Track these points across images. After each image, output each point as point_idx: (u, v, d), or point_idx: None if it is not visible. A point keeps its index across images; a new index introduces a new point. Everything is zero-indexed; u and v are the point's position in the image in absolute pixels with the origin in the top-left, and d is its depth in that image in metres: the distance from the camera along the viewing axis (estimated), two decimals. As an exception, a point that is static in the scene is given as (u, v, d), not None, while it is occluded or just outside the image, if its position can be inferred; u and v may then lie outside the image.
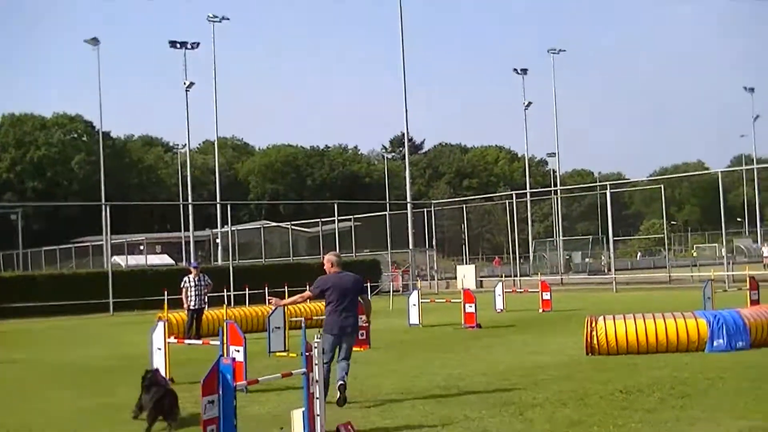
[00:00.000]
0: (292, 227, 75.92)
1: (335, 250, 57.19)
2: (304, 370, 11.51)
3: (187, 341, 20.32)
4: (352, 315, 14.66)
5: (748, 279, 30.01)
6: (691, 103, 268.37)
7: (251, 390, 14.94)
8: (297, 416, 11.59)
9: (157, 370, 14.79)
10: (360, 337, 22.64)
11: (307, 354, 11.56)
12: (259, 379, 12.33)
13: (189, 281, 27.05)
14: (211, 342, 17.96)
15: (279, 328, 22.45)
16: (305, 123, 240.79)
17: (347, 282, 14.75)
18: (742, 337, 19.30)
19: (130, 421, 13.46)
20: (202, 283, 27.25)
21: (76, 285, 47.93)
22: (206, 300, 27.73)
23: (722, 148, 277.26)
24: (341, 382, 14.03)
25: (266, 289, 36.36)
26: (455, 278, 62.95)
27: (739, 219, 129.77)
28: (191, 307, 26.99)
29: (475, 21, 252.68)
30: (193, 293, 26.95)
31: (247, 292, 39.30)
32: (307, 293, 15.05)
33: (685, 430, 11.25)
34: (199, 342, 19.83)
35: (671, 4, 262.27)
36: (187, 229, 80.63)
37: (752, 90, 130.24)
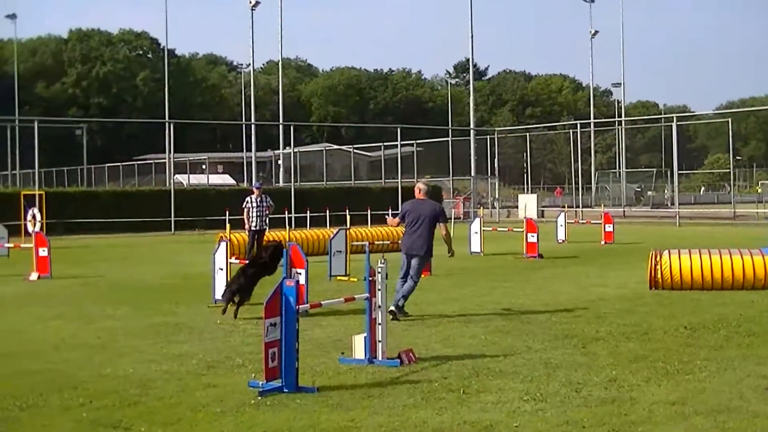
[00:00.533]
0: (354, 151, 75.87)
1: (396, 175, 57.33)
2: (366, 295, 11.46)
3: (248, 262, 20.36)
4: (422, 237, 15.83)
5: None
6: (760, 36, 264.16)
7: (312, 313, 14.93)
8: (358, 341, 11.57)
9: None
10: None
11: (370, 279, 11.50)
12: (322, 302, 12.32)
13: (251, 202, 27.03)
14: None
15: (340, 252, 22.44)
16: (369, 46, 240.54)
17: (423, 208, 16.10)
18: (810, 275, 19.04)
19: (187, 341, 13.52)
20: (264, 204, 27.22)
21: (138, 202, 48.38)
22: (267, 221, 27.75)
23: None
24: (393, 306, 15.17)
25: (327, 212, 36.36)
26: (516, 207, 62.68)
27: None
28: (252, 228, 27.00)
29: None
30: (254, 214, 26.94)
31: (308, 214, 39.25)
32: (397, 219, 16.69)
33: (752, 369, 11.05)
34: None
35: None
36: (249, 149, 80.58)
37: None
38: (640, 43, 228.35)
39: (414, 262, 15.82)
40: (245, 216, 27.03)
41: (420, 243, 15.78)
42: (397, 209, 30.16)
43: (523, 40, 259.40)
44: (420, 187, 16.62)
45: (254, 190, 27.78)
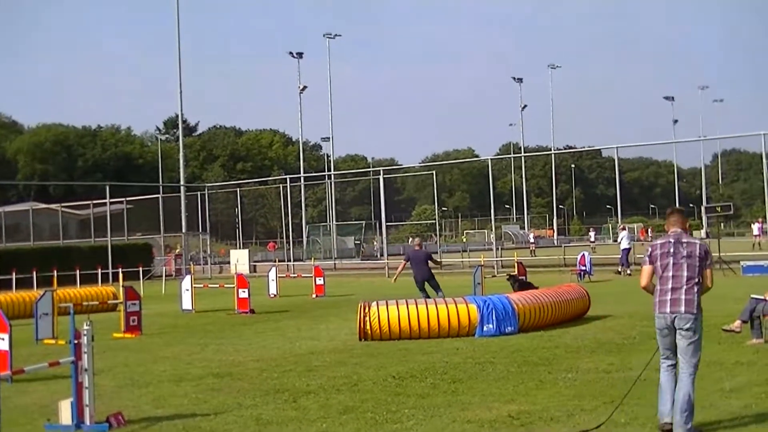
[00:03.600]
0: (63, 209, 74.18)
1: (107, 232, 56.26)
2: (72, 358, 11.20)
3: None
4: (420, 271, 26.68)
5: (516, 264, 30.88)
6: (461, 92, 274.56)
7: (17, 380, 14.47)
8: (65, 406, 11.31)
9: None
10: (131, 323, 22.42)
11: (75, 342, 11.25)
12: (25, 368, 11.97)
13: None
14: (-25, 329, 17.31)
15: (47, 314, 21.83)
16: (76, 101, 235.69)
17: (420, 254, 27.11)
18: (510, 322, 19.77)
19: None
20: None
21: None
22: None
23: (492, 136, 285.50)
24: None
25: (35, 273, 35.38)
26: (229, 263, 62.62)
27: (507, 206, 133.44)
28: None
29: (252, 2, 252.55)
30: None
31: (14, 276, 38.09)
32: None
33: (457, 414, 11.38)
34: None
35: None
36: (-50, 209, 77.82)
37: (521, 80, 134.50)
38: (349, 98, 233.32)
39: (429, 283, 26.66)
40: None
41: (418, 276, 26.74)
42: (107, 268, 29.88)
43: (233, 95, 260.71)
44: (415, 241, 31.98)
45: None
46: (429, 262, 26.78)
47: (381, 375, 14.80)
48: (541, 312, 20.76)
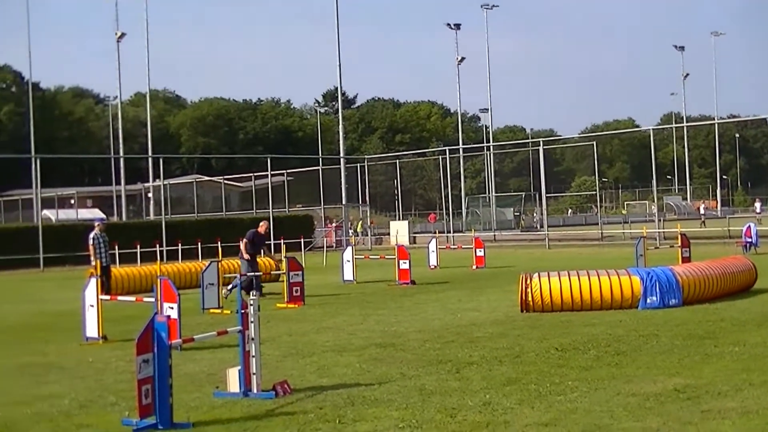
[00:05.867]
0: (225, 181, 75.50)
1: (268, 205, 57.12)
2: (240, 327, 11.38)
3: (120, 297, 19.99)
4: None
5: (679, 236, 30.27)
6: (622, 61, 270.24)
7: (185, 348, 14.77)
8: (233, 374, 11.49)
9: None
10: (294, 293, 22.66)
11: (242, 311, 11.42)
12: (195, 337, 12.20)
13: (99, 237, 26.08)
14: (145, 299, 17.68)
15: (212, 284, 22.25)
16: (237, 76, 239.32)
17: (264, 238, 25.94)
18: (674, 294, 19.41)
19: (58, 380, 13.25)
20: (107, 239, 26.42)
21: (5, 239, 47.14)
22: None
23: (653, 106, 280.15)
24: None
25: (199, 244, 36.10)
26: (388, 234, 62.86)
27: (668, 176, 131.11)
28: (103, 264, 25.97)
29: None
30: (103, 250, 26.05)
31: (179, 247, 38.89)
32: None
33: (621, 387, 11.23)
34: (133, 299, 19.47)
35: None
36: (118, 182, 79.83)
37: (682, 48, 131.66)
38: (507, 69, 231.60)
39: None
40: (93, 252, 25.95)
41: None
42: (269, 239, 30.63)
43: (391, 67, 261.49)
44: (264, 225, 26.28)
45: (97, 225, 26.79)
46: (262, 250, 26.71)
47: (543, 347, 14.70)
48: (705, 284, 20.33)
